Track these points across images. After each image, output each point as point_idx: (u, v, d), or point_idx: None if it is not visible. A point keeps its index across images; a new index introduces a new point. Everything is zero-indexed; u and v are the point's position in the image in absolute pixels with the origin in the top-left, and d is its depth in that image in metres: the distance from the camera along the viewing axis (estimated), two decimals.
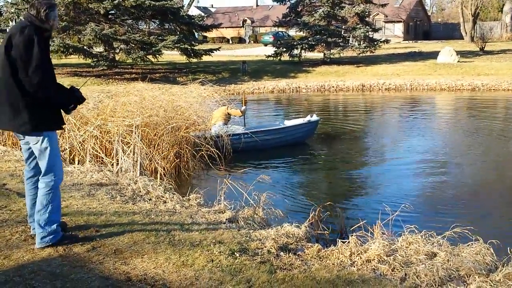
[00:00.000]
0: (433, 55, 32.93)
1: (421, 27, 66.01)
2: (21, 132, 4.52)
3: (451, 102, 21.74)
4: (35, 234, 4.79)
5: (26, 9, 22.68)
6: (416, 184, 9.47)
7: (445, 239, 5.44)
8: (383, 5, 34.83)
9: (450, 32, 62.85)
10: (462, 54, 32.79)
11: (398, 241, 5.40)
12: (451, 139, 14.02)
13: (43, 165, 4.60)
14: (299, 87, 25.23)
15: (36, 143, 4.53)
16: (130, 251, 4.72)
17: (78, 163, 9.00)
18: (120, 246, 4.84)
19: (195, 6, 68.20)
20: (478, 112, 17.84)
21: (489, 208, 8.13)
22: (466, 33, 51.92)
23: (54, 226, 4.70)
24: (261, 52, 38.09)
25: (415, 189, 9.10)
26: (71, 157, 9.33)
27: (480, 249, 5.06)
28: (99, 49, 26.68)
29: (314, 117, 12.63)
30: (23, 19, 4.48)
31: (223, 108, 11.98)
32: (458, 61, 30.30)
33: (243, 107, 12.23)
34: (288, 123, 12.87)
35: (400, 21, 60.04)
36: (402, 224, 6.01)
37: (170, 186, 7.84)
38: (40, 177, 4.64)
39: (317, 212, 6.50)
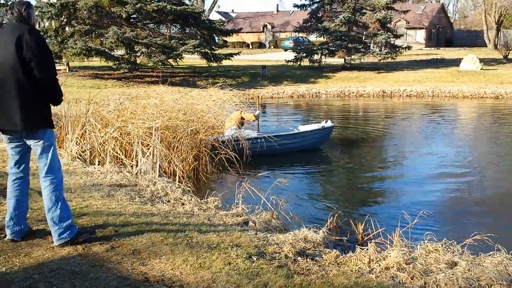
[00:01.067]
0: (456, 62, 32.60)
1: (443, 34, 65.42)
2: (31, 130, 4.57)
3: (473, 110, 21.48)
4: (12, 239, 4.83)
5: (50, 12, 23.14)
6: (435, 191, 9.34)
7: (465, 248, 5.37)
8: (405, 12, 34.57)
9: (473, 39, 62.21)
10: (485, 61, 32.40)
11: (417, 249, 5.34)
12: (473, 147, 13.83)
13: (44, 162, 4.67)
14: (318, 92, 25.17)
15: (40, 141, 4.61)
16: (148, 252, 4.74)
17: (98, 164, 9.08)
18: (138, 246, 4.86)
19: (216, 11, 68.55)
20: (501, 120, 17.58)
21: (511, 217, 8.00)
22: (489, 41, 51.36)
23: (69, 221, 4.76)
24: (281, 57, 38.11)
25: (435, 197, 8.98)
26: (91, 158, 9.41)
27: (502, 259, 4.97)
28: (120, 52, 26.95)
29: (329, 123, 12.52)
30: (15, 22, 4.54)
31: (237, 113, 11.97)
32: (481, 69, 29.95)
33: (257, 111, 12.20)
34: (302, 128, 12.79)
35: (422, 28, 59.60)
36: (422, 232, 5.94)
37: (188, 188, 7.86)
38: (42, 176, 4.72)
39: (335, 217, 6.46)
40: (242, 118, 11.82)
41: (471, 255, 5.24)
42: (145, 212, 6.00)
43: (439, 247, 5.31)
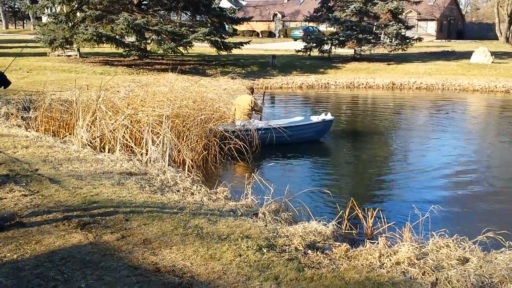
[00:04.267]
0: (467, 55, 32.30)
1: (454, 26, 64.76)
2: None
3: (484, 104, 21.30)
4: None
5: None
6: (446, 186, 9.28)
7: (477, 244, 5.33)
8: (417, 3, 34.21)
9: (484, 32, 61.55)
10: (496, 55, 32.07)
11: (428, 244, 5.31)
12: (484, 141, 13.73)
13: None
14: (328, 83, 25.04)
15: None
16: (159, 242, 4.75)
17: (109, 152, 9.10)
18: (149, 236, 4.87)
19: None
20: (510, 114, 17.42)
21: None
22: (501, 34, 50.81)
23: None
24: (291, 46, 37.89)
25: (445, 191, 8.92)
26: (101, 145, 9.42)
27: None
28: (131, 39, 26.87)
29: (329, 116, 12.41)
30: None
31: (248, 99, 11.61)
32: (493, 62, 29.66)
33: (263, 101, 12.05)
34: (301, 120, 12.64)
35: (434, 20, 59.00)
36: (432, 227, 5.91)
37: (197, 178, 7.86)
38: None
39: (345, 211, 6.44)
40: (255, 105, 11.58)
41: (482, 251, 5.21)
42: (155, 202, 6.01)
43: (450, 243, 5.28)
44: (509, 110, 18.53)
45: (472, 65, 29.03)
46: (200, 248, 4.65)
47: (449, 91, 23.87)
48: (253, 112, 11.73)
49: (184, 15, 30.42)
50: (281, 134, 11.10)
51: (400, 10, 30.83)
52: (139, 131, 9.66)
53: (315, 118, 12.62)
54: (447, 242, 5.29)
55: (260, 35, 64.31)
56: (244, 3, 76.10)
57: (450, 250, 5.13)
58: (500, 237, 5.42)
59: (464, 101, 21.82)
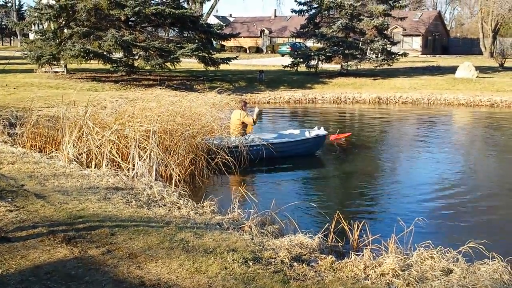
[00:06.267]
0: (452, 70, 32.71)
1: (439, 41, 65.65)
2: None
3: (469, 118, 21.56)
4: None
5: (48, 13, 23.11)
6: (430, 198, 9.38)
7: (460, 255, 5.39)
8: (402, 19, 34.70)
9: (469, 47, 62.43)
10: (481, 69, 32.52)
11: (413, 256, 5.37)
12: (468, 154, 13.90)
13: None
14: (315, 98, 25.21)
15: None
16: (144, 256, 4.75)
17: (95, 167, 9.08)
18: (134, 250, 4.87)
19: (214, 15, 68.58)
20: (496, 129, 17.66)
21: (506, 224, 8.04)
22: (485, 49, 51.59)
23: None
24: (278, 62, 38.15)
25: (429, 204, 9.01)
26: (88, 160, 9.41)
27: (497, 268, 5.00)
28: (118, 55, 26.95)
29: (322, 131, 12.51)
30: None
31: (238, 113, 11.77)
32: (477, 77, 30.05)
33: (255, 117, 12.15)
34: (294, 135, 12.72)
35: (419, 35, 59.81)
36: (417, 238, 5.96)
37: (184, 192, 7.87)
38: None
39: (331, 224, 6.48)
40: (242, 123, 11.68)
41: (466, 262, 5.27)
42: (142, 216, 6.01)
43: (435, 254, 5.34)
44: (493, 124, 18.77)
45: (457, 80, 29.41)
46: (186, 261, 4.66)
47: (434, 106, 24.14)
48: (246, 125, 11.77)
49: (172, 31, 30.56)
50: (274, 149, 11.17)
51: (386, 26, 31.25)
52: (126, 146, 9.66)
53: (308, 133, 12.72)
54: (431, 254, 5.35)
55: (248, 51, 64.66)
56: (231, 19, 76.62)
57: (434, 261, 5.19)
58: (483, 247, 5.48)
59: (449, 115, 22.08)
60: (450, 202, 9.01)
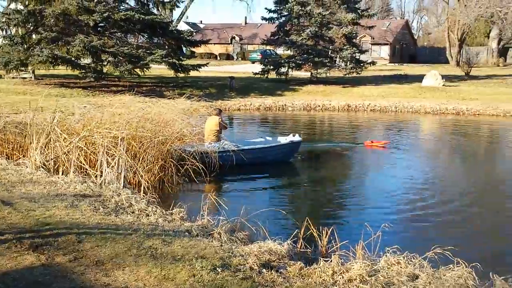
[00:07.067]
0: (419, 78, 33.32)
1: (407, 50, 66.89)
2: None
3: (435, 125, 21.99)
4: None
5: (17, 19, 22.69)
6: (398, 204, 9.53)
7: (426, 260, 5.49)
8: (370, 27, 35.28)
9: (435, 56, 63.70)
10: (447, 78, 33.24)
11: (380, 261, 5.44)
12: (435, 161, 14.18)
13: None
14: (285, 105, 25.34)
15: None
16: (112, 263, 4.70)
17: (63, 174, 8.94)
18: (101, 257, 4.82)
19: (184, 22, 68.35)
20: (462, 136, 18.06)
21: (471, 230, 8.22)
22: (452, 58, 52.76)
23: None
24: (249, 69, 38.26)
25: (397, 209, 9.16)
26: (55, 167, 9.26)
27: (462, 273, 5.11)
28: (87, 61, 26.63)
29: (297, 138, 12.62)
30: None
31: (214, 120, 11.79)
32: (443, 85, 30.69)
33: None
34: (269, 141, 12.80)
35: (387, 44, 60.82)
36: (384, 244, 6.05)
37: (153, 199, 7.82)
38: None
39: (300, 230, 6.53)
40: (219, 125, 11.67)
41: (432, 268, 5.37)
42: (109, 223, 5.95)
43: (401, 259, 5.42)
44: (459, 132, 19.19)
45: (423, 88, 29.97)
46: (154, 268, 4.63)
47: (402, 114, 24.55)
48: (221, 130, 11.81)
49: (142, 37, 30.37)
50: (247, 155, 11.21)
51: (354, 34, 31.72)
52: (94, 153, 9.54)
53: (282, 140, 12.79)
54: (398, 259, 5.43)
55: (218, 58, 64.68)
56: (202, 25, 76.53)
57: (401, 267, 5.27)
58: (449, 253, 5.59)
59: (416, 123, 22.49)
60: (416, 208, 9.16)
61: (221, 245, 5.61)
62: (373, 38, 58.00)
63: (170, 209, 7.38)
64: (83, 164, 9.20)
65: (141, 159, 9.71)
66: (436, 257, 5.60)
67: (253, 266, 5.01)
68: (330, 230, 6.51)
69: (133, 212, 6.85)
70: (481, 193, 10.70)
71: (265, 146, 12.28)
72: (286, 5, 30.84)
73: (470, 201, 9.97)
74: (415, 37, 77.32)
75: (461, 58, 49.93)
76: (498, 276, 5.27)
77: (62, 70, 28.11)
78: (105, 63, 26.23)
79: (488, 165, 13.74)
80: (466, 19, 45.09)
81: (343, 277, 4.94)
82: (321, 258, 5.57)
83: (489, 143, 17.37)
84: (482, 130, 20.13)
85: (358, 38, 41.05)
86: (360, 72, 32.68)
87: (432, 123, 22.57)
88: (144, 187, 8.46)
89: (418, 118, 23.40)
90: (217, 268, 4.75)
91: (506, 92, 28.48)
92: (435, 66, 48.88)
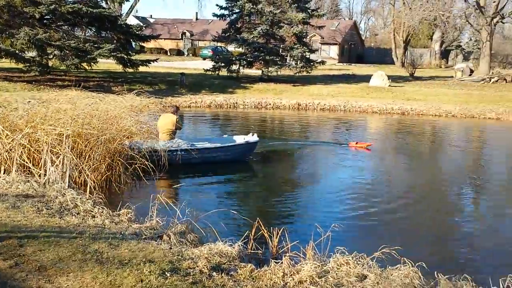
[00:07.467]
0: (366, 78, 34.00)
1: (355, 50, 68.16)
2: None
3: (382, 125, 22.48)
4: None
5: None
6: (347, 204, 9.64)
7: (374, 260, 5.56)
8: (320, 27, 35.70)
9: (382, 56, 65.18)
10: (393, 78, 34.07)
11: (329, 262, 5.47)
12: (382, 160, 14.47)
13: None
14: (236, 103, 25.28)
15: None
16: (55, 269, 4.51)
17: (4, 173, 8.56)
18: (44, 262, 4.62)
19: (134, 16, 67.11)
20: (407, 135, 18.53)
21: (418, 230, 8.42)
22: (397, 59, 54.26)
23: None
24: (200, 65, 37.96)
25: (346, 209, 9.27)
26: None
27: (408, 272, 5.20)
28: (32, 54, 25.69)
29: (254, 137, 12.59)
30: None
31: (170, 118, 11.58)
32: (389, 85, 31.43)
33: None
34: (227, 141, 12.74)
35: (336, 44, 61.75)
36: (334, 244, 6.09)
37: (99, 200, 7.59)
38: None
39: (251, 231, 6.48)
40: (176, 125, 11.48)
41: (379, 268, 5.44)
42: (53, 225, 5.72)
43: (350, 260, 5.48)
44: (404, 131, 19.69)
45: (371, 88, 30.59)
46: (100, 274, 4.47)
47: (350, 113, 24.95)
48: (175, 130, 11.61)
49: (89, 30, 29.59)
50: (201, 154, 11.09)
51: (305, 34, 32.01)
52: (37, 150, 9.18)
53: (238, 139, 12.70)
54: (347, 260, 5.48)
55: (169, 53, 63.87)
56: (152, 20, 75.42)
57: (350, 268, 5.32)
58: (395, 253, 5.69)
59: (364, 122, 22.92)
60: (365, 208, 9.30)
61: (171, 248, 5.49)
62: (323, 38, 58.75)
63: (118, 210, 7.19)
64: (26, 163, 8.84)
65: (87, 157, 9.42)
66: (383, 257, 5.69)
67: (203, 269, 4.93)
68: (281, 230, 6.50)
69: (78, 214, 6.62)
70: (426, 192, 11.00)
71: (220, 146, 12.18)
72: (237, 2, 30.76)
73: (415, 200, 10.23)
74: (363, 38, 78.89)
75: (406, 59, 51.40)
76: (443, 275, 5.39)
77: (5, 63, 27.02)
78: (51, 56, 25.41)
79: (432, 164, 14.15)
80: (411, 22, 46.50)
81: (293, 279, 4.93)
82: (272, 260, 5.56)
83: (432, 143, 17.91)
84: (425, 130, 20.76)
85: (308, 37, 41.55)
86: (310, 71, 33.03)
87: (379, 122, 23.06)
88: (90, 187, 8.20)
89: (366, 118, 23.85)
90: (166, 273, 4.64)
91: (447, 93, 29.49)
92: (381, 66, 50.11)
